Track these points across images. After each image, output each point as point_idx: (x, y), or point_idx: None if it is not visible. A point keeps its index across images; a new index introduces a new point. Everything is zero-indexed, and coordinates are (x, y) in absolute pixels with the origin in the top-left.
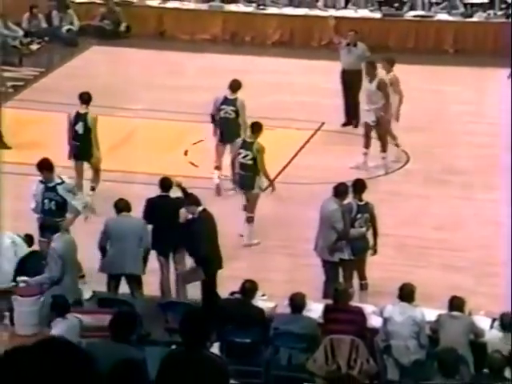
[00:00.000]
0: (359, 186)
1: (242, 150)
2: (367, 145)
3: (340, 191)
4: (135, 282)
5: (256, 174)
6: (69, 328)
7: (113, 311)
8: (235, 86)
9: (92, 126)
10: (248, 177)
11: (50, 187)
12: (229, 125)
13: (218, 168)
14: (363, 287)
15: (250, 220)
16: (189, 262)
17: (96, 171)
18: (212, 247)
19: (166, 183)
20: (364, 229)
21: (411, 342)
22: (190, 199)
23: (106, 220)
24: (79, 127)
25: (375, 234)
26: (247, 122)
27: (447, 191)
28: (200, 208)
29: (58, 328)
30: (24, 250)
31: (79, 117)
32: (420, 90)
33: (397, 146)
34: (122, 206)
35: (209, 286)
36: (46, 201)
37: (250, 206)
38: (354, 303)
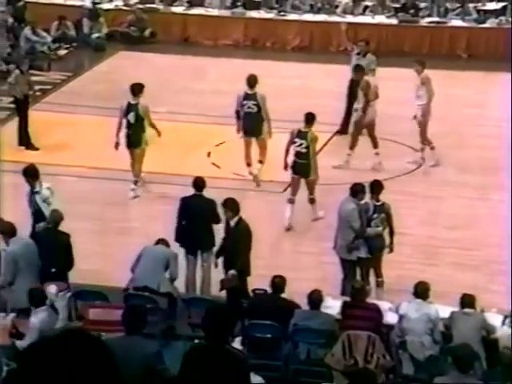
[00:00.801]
0: (376, 186)
1: (297, 139)
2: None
3: (357, 191)
4: None
5: (310, 161)
6: (48, 316)
7: (124, 306)
8: (252, 80)
9: (144, 114)
10: (303, 164)
11: (32, 194)
12: (252, 119)
13: (249, 165)
14: (379, 284)
15: (312, 201)
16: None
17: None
18: (246, 258)
19: (198, 183)
20: (380, 228)
21: (426, 338)
22: (228, 204)
23: (144, 248)
24: (131, 117)
25: (391, 233)
26: (269, 115)
27: (461, 192)
28: (236, 218)
29: (39, 317)
30: None
31: (131, 107)
32: (436, 94)
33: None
34: (162, 239)
35: (237, 290)
36: (31, 206)
37: (310, 189)
38: (371, 300)
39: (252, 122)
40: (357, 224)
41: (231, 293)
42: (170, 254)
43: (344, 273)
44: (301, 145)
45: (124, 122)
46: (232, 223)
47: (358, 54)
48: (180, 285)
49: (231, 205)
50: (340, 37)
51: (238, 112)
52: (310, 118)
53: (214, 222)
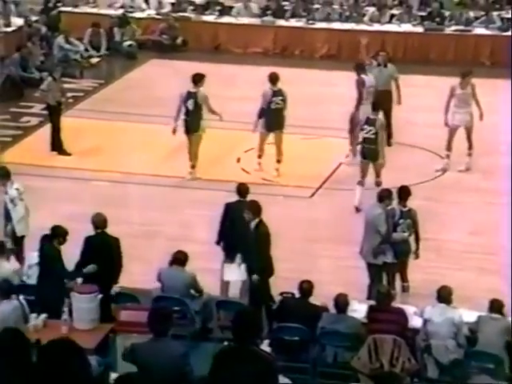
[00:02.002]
0: (404, 192)
1: (365, 126)
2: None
3: (383, 197)
4: None
5: (378, 146)
6: (13, 309)
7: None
8: (274, 78)
9: (202, 102)
10: (372, 149)
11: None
12: (279, 114)
13: (260, 157)
14: (405, 289)
15: (378, 184)
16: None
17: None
18: (264, 258)
19: (241, 189)
20: (406, 233)
21: (450, 341)
22: (249, 205)
23: (160, 269)
24: (190, 104)
25: (417, 239)
26: None
27: (485, 197)
28: (257, 219)
29: (2, 308)
30: None
31: (190, 95)
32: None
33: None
34: (179, 258)
35: (260, 291)
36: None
37: (377, 173)
38: (397, 304)
39: (279, 116)
40: (383, 229)
41: (254, 295)
42: (190, 279)
43: (370, 277)
44: (370, 131)
45: (183, 109)
46: (252, 225)
47: (379, 65)
48: (213, 287)
49: (252, 207)
50: (369, 44)
51: (262, 109)
52: (376, 106)
53: None
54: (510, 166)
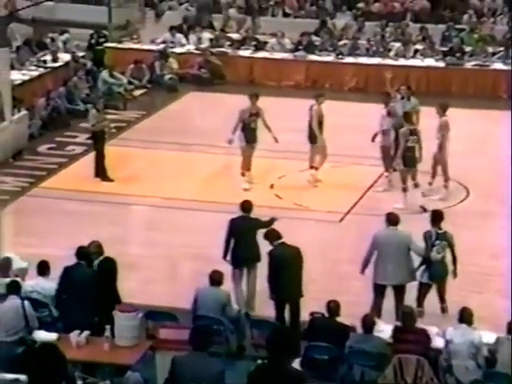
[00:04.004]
0: (436, 215)
1: (410, 137)
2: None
3: (393, 219)
4: None
5: (416, 154)
6: (13, 307)
7: (191, 326)
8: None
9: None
10: (413, 157)
11: None
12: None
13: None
14: (444, 310)
15: (416, 185)
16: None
17: None
18: (287, 281)
19: (245, 205)
20: (440, 255)
21: (470, 362)
22: (267, 236)
23: (197, 288)
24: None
25: (454, 260)
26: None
27: (502, 222)
28: (277, 241)
29: (3, 305)
30: None
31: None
32: (479, 131)
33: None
34: (214, 278)
35: (292, 312)
36: None
37: (414, 177)
38: (433, 325)
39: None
40: (422, 248)
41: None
42: (225, 297)
43: (375, 299)
44: (413, 141)
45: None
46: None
47: (402, 98)
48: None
49: (270, 235)
50: (394, 78)
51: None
52: (408, 117)
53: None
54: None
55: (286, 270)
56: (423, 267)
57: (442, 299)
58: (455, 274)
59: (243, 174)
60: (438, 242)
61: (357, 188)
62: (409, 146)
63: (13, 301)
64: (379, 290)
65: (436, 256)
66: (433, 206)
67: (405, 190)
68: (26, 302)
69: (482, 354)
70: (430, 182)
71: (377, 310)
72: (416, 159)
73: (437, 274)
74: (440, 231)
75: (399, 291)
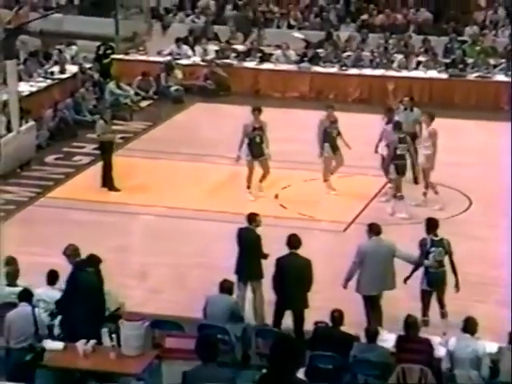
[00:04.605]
0: (431, 223)
1: (400, 145)
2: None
3: (376, 230)
4: None
5: (406, 161)
6: (22, 315)
7: (196, 335)
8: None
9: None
10: (404, 164)
11: None
12: (335, 141)
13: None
14: (444, 315)
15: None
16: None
17: None
18: (291, 291)
19: (250, 217)
20: (436, 262)
21: (473, 372)
22: (289, 240)
23: (207, 296)
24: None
25: (454, 270)
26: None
27: (503, 233)
28: (291, 250)
29: (13, 311)
30: None
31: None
32: (482, 142)
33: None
34: (224, 286)
35: (296, 322)
36: None
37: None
38: (434, 333)
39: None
40: (414, 255)
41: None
42: (233, 304)
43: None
44: (402, 149)
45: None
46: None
47: (406, 109)
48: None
49: (289, 242)
50: (397, 89)
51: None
52: (400, 127)
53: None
54: None
55: (291, 281)
56: (422, 274)
57: (441, 305)
58: (457, 288)
59: (249, 187)
60: (433, 248)
61: (361, 198)
62: (398, 154)
63: (23, 308)
64: (368, 301)
65: (432, 263)
66: (434, 214)
67: (401, 198)
68: (37, 310)
69: (485, 363)
70: (424, 192)
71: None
72: (406, 167)
73: (435, 279)
74: (436, 238)
75: (378, 298)
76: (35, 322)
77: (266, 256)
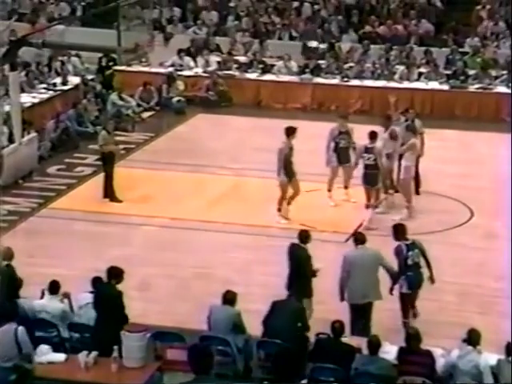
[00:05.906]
0: (398, 229)
1: (365, 154)
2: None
3: (361, 239)
4: None
5: (378, 172)
6: (6, 333)
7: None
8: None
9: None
10: (373, 174)
11: None
12: (346, 151)
13: (330, 190)
14: (415, 315)
15: (374, 207)
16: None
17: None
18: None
19: (302, 235)
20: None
21: None
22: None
23: (210, 306)
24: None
25: (429, 265)
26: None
27: (506, 244)
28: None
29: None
30: None
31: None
32: (483, 154)
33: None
34: (227, 297)
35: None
36: None
37: (376, 197)
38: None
39: (346, 153)
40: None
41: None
42: (235, 314)
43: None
44: (369, 158)
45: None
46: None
47: (406, 120)
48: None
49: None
50: (399, 101)
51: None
52: (373, 136)
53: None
54: None
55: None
56: (402, 278)
57: (413, 305)
58: (432, 280)
59: (279, 210)
60: (410, 252)
61: (362, 209)
62: (367, 164)
63: (8, 327)
64: (355, 309)
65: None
66: (436, 225)
67: (367, 207)
68: (20, 328)
69: (486, 376)
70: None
71: (362, 327)
72: (376, 178)
73: (415, 282)
74: (408, 242)
75: (369, 308)
76: (17, 341)
77: (314, 274)
